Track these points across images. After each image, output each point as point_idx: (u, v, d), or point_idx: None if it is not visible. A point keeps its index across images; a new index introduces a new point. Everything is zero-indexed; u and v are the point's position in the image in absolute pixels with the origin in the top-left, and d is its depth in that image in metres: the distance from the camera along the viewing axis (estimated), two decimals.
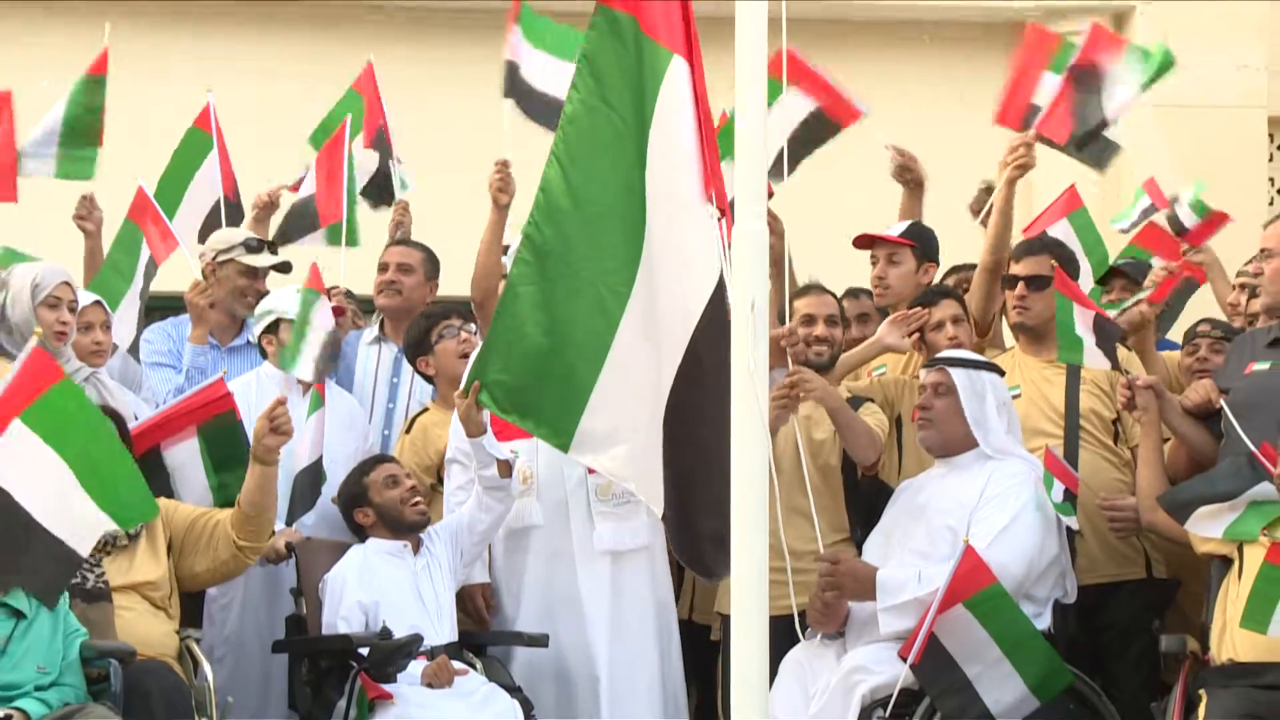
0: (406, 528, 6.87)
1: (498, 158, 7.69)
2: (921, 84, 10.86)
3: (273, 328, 7.32)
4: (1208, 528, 6.33)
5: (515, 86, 7.86)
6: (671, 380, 5.00)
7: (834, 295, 7.30)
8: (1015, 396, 7.02)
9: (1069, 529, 6.71)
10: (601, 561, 6.97)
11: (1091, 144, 7.71)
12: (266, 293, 7.67)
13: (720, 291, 4.89)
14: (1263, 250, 6.65)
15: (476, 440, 6.63)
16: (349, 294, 8.13)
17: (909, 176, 8.08)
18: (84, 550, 5.37)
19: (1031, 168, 7.48)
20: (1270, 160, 11.31)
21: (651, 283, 5.08)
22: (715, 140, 5.19)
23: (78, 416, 5.50)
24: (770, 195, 7.18)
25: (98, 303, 7.18)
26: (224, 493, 6.74)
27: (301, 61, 10.31)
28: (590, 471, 6.84)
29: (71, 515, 5.33)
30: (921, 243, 7.70)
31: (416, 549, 6.90)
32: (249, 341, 7.61)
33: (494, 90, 7.89)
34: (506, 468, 6.77)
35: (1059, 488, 6.66)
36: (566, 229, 5.25)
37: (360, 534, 6.94)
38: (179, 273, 7.76)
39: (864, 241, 7.77)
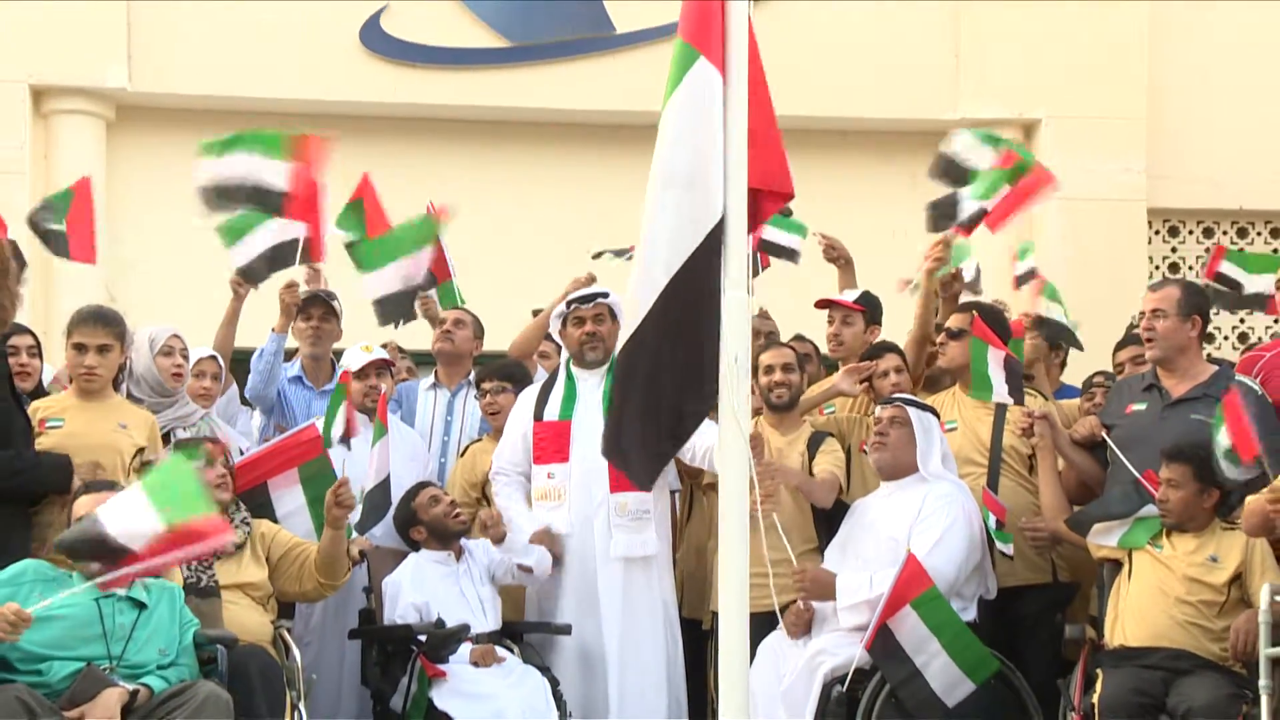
0: (452, 535, 6.85)
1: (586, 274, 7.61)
2: (870, 182, 10.86)
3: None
4: (1105, 539, 6.36)
5: None
6: (633, 329, 4.51)
7: (790, 347, 7.27)
8: (952, 430, 7.00)
9: (1001, 551, 6.69)
10: (617, 566, 6.92)
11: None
12: None
13: (703, 252, 4.41)
14: (1155, 310, 6.58)
15: (502, 547, 6.80)
16: (400, 349, 8.12)
17: (835, 255, 8.00)
18: None
19: (947, 262, 7.37)
20: (1149, 243, 11.30)
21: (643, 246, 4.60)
22: (778, 137, 4.64)
23: None
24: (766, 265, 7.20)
25: (212, 357, 7.20)
26: None
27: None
28: (611, 491, 6.82)
29: None
30: (870, 308, 7.68)
31: (459, 556, 6.87)
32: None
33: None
34: (528, 570, 6.85)
35: (994, 519, 6.63)
36: None
37: (415, 546, 6.91)
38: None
39: (824, 304, 7.76)
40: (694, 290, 4.39)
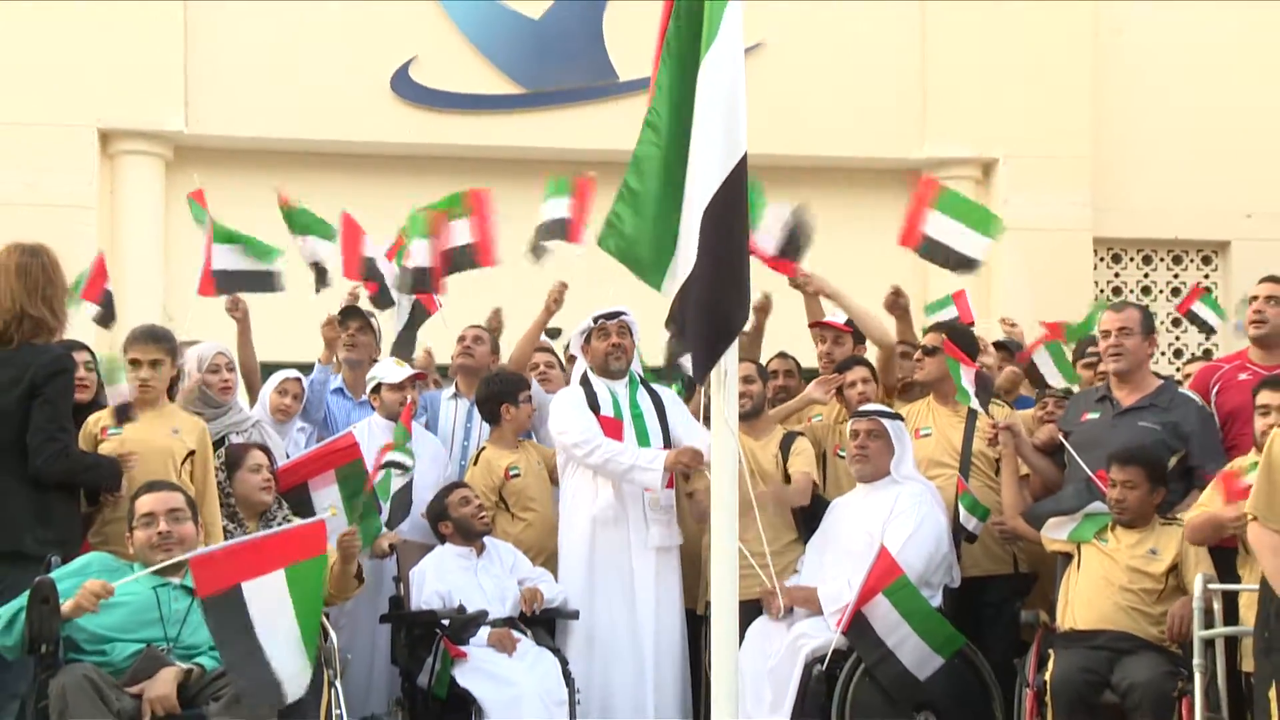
0: (475, 534, 6.82)
1: (560, 280, 7.67)
2: (844, 215, 10.80)
3: (376, 389, 7.29)
4: (1057, 533, 6.35)
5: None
6: (696, 235, 4.48)
7: (753, 360, 7.27)
8: (926, 436, 7.00)
9: (968, 532, 6.66)
10: (650, 554, 6.91)
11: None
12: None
13: (737, 172, 4.46)
14: (1122, 329, 6.53)
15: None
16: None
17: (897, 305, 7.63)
18: (291, 696, 4.77)
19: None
20: (1095, 269, 11.31)
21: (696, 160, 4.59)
22: None
23: (315, 590, 4.92)
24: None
25: (296, 378, 7.23)
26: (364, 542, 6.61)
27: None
28: (646, 489, 6.83)
29: (285, 666, 4.80)
30: (857, 330, 7.66)
31: (480, 552, 6.84)
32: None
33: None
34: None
35: (974, 505, 6.64)
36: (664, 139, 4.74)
37: (442, 540, 6.88)
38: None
39: (816, 324, 7.75)
40: (732, 208, 4.45)
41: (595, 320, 7.09)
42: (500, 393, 7.22)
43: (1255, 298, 6.64)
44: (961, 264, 7.45)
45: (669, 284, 4.64)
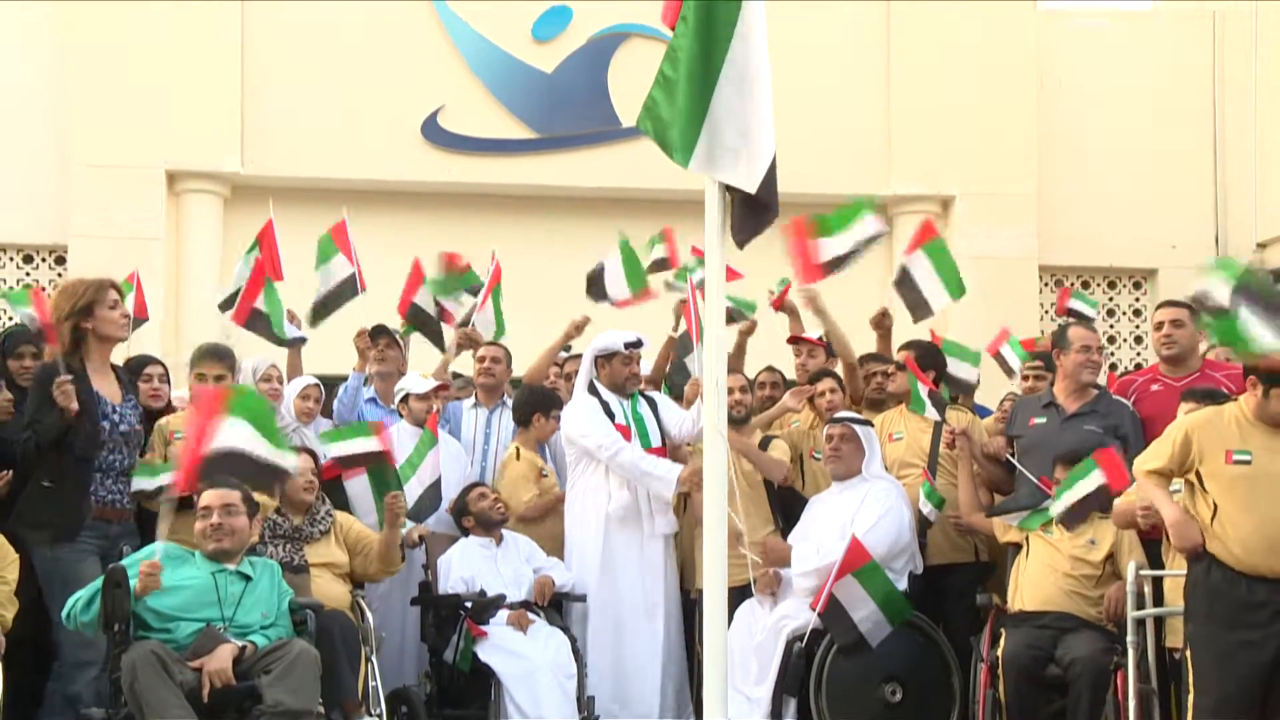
0: (494, 524, 6.81)
1: (582, 316, 7.70)
2: None
3: (404, 399, 7.29)
4: (1009, 520, 6.39)
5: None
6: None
7: (743, 374, 7.24)
8: (899, 440, 6.99)
9: (923, 516, 6.62)
10: (658, 541, 6.92)
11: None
12: None
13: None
14: (1085, 346, 6.55)
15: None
16: (456, 374, 8.09)
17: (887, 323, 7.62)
18: None
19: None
20: (1040, 293, 11.28)
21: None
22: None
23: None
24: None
25: (316, 384, 7.20)
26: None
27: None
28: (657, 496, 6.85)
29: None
30: (828, 346, 7.64)
31: (499, 542, 6.82)
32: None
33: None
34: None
35: (931, 494, 6.59)
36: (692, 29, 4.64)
37: (466, 532, 6.87)
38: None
39: (794, 340, 7.73)
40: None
41: (627, 347, 7.06)
42: (537, 403, 7.26)
43: (1161, 324, 6.58)
44: (918, 306, 7.19)
45: (695, 164, 4.57)
